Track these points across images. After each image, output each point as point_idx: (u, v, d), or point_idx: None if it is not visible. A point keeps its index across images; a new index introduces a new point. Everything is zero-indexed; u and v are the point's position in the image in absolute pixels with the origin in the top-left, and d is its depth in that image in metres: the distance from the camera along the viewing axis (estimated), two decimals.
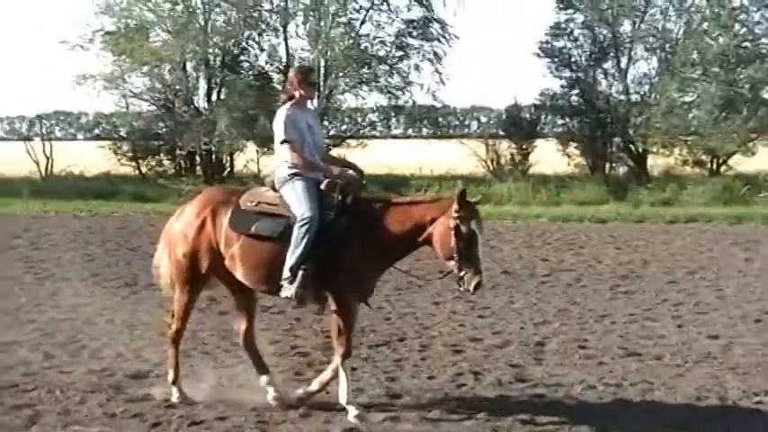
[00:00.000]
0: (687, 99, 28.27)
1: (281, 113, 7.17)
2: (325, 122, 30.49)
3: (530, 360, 8.56)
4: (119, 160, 30.86)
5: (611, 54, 29.39)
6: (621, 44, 29.21)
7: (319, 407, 6.99)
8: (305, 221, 6.76)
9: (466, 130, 38.79)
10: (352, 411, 6.72)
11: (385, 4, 29.86)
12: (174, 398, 7.20)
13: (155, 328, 9.44)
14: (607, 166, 29.59)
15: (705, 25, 27.77)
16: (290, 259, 6.79)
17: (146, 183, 28.39)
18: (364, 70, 29.54)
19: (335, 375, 6.96)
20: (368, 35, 29.91)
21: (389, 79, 29.96)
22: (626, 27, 29.37)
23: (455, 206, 6.64)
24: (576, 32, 30.10)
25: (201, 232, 7.17)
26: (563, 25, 30.06)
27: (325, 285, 6.90)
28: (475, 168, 29.62)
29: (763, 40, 28.16)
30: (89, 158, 30.64)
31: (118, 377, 7.80)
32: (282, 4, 29.87)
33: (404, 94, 30.11)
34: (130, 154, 30.90)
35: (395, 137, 38.44)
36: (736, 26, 27.55)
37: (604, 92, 29.84)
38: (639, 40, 29.12)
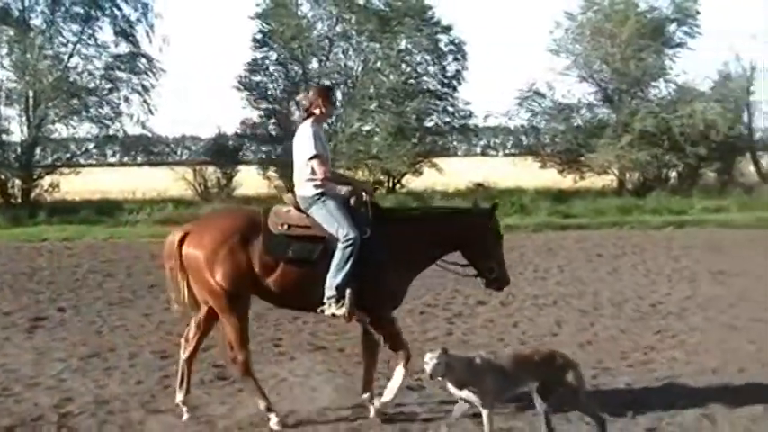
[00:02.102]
0: (367, 128, 29.56)
1: (307, 129, 6.68)
2: (37, 150, 29.00)
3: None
4: None
5: (303, 87, 29.66)
6: (311, 79, 29.70)
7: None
8: (350, 242, 6.35)
9: (177, 157, 38.36)
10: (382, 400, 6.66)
11: (92, 39, 28.82)
12: (274, 423, 6.47)
13: None
14: None
15: (379, 64, 29.23)
16: (335, 279, 6.38)
17: None
18: (74, 101, 28.07)
19: (405, 377, 6.76)
20: (76, 68, 28.63)
21: (100, 110, 28.79)
22: (314, 64, 30.11)
23: (489, 216, 6.87)
24: (272, 69, 30.52)
25: (233, 257, 6.48)
26: (259, 62, 30.33)
27: (366, 298, 6.51)
28: (184, 192, 29.31)
29: (425, 78, 30.21)
30: None
31: None
32: None
33: (114, 123, 29.06)
34: None
35: (111, 164, 37.36)
36: (403, 66, 29.29)
37: (297, 121, 30.05)
38: (326, 76, 29.77)
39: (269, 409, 6.56)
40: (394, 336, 6.80)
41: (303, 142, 6.67)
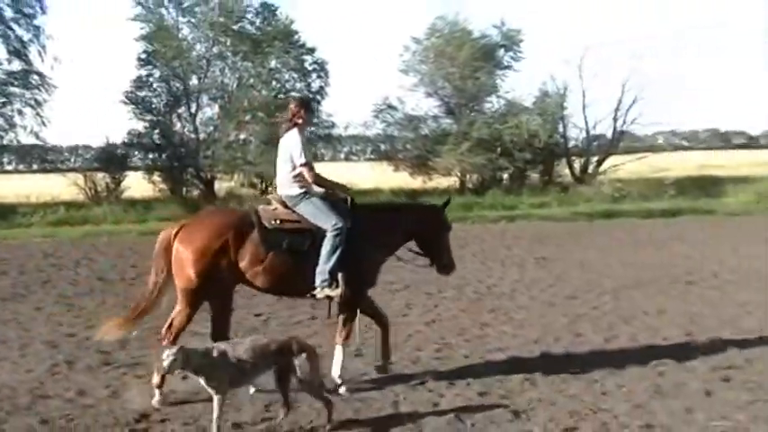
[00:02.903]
0: (242, 137, 29.12)
1: (296, 138, 6.54)
2: None
3: (116, 347, 8.21)
4: None
5: (184, 102, 29.29)
6: (191, 94, 29.22)
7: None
8: (338, 230, 6.34)
9: (70, 164, 37.00)
10: (343, 387, 6.53)
11: None
12: (156, 401, 6.26)
13: None
14: (184, 190, 29.36)
15: (252, 81, 28.78)
16: (327, 265, 6.34)
17: None
18: None
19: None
20: None
21: None
22: (194, 81, 29.32)
23: (441, 210, 7.07)
24: (155, 85, 29.60)
25: (221, 253, 6.27)
26: (144, 79, 29.37)
27: (349, 282, 6.43)
28: (76, 196, 28.04)
29: (293, 93, 29.88)
30: None
31: None
32: None
33: (8, 134, 27.83)
34: None
35: (6, 171, 35.69)
36: (274, 82, 29.02)
37: (179, 131, 29.61)
38: (205, 92, 29.35)
39: (158, 387, 6.35)
40: (353, 316, 6.78)
41: (293, 150, 6.57)
